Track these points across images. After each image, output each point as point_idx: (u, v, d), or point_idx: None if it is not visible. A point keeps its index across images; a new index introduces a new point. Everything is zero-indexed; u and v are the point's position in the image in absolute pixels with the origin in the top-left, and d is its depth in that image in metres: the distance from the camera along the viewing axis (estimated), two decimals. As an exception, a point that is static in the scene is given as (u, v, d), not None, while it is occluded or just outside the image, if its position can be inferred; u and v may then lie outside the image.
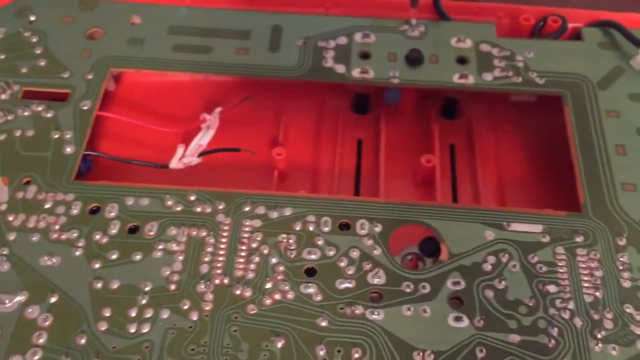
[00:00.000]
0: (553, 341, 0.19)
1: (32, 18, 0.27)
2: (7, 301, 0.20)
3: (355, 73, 0.25)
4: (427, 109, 0.28)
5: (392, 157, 0.26)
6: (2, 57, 0.26)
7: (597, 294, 0.20)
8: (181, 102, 0.28)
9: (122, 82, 0.28)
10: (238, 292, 0.20)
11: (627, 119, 0.24)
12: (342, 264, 0.21)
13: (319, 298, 0.20)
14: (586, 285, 0.20)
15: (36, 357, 0.19)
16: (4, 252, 0.21)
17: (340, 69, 0.26)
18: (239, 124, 0.27)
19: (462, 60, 0.26)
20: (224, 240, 0.21)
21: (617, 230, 0.21)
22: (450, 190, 0.26)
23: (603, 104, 0.25)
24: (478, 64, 0.26)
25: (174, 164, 0.24)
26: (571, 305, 0.20)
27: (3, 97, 0.25)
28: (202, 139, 0.24)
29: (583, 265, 0.21)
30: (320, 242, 0.21)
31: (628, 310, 0.20)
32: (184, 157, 0.24)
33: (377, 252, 0.21)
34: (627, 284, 0.20)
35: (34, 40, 0.26)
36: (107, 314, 0.20)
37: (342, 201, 0.22)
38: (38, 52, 0.26)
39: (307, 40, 0.26)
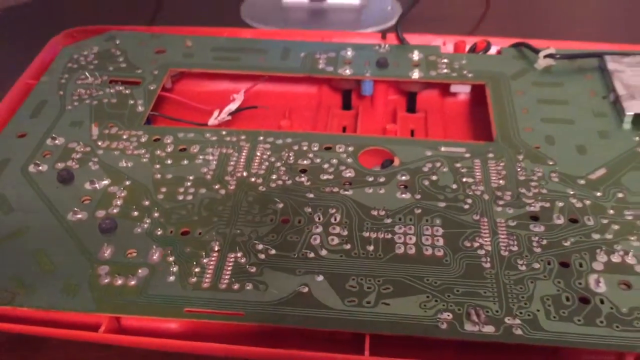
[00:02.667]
0: (467, 206, 0.28)
1: (118, 42, 0.39)
2: (96, 184, 0.29)
3: (340, 71, 0.36)
4: (394, 105, 0.38)
5: (368, 135, 0.36)
6: (96, 62, 0.37)
7: (501, 182, 0.29)
8: (216, 104, 0.38)
9: (175, 88, 0.39)
10: (252, 179, 0.29)
11: (530, 95, 0.34)
12: (325, 166, 0.30)
13: (308, 183, 0.29)
14: (493, 178, 0.29)
15: (115, 211, 0.28)
16: (95, 160, 0.31)
17: (329, 69, 0.37)
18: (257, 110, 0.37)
19: (415, 65, 0.37)
20: (244, 154, 0.31)
21: (517, 150, 0.31)
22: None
23: (514, 87, 0.35)
24: (427, 66, 0.37)
25: (211, 121, 0.34)
26: (482, 187, 0.29)
27: (96, 82, 0.36)
28: (231, 106, 0.35)
29: (492, 168, 0.30)
30: (310, 155, 0.31)
31: (522, 190, 0.29)
32: (218, 117, 0.34)
33: (350, 160, 0.30)
34: (522, 178, 0.29)
35: (118, 54, 0.38)
36: (164, 190, 0.29)
37: (327, 135, 0.32)
38: (120, 60, 0.37)
39: (307, 54, 0.38)
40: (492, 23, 0.50)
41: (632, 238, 0.26)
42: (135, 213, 0.28)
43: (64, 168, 0.30)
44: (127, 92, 0.35)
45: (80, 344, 0.26)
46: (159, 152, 0.31)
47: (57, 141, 0.32)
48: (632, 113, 0.32)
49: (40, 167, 0.30)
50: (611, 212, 0.27)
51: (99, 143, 0.32)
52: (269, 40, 0.39)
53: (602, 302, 0.24)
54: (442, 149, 0.31)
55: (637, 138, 0.31)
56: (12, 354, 0.26)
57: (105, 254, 0.26)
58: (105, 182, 0.29)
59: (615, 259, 0.25)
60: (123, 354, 0.26)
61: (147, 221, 0.27)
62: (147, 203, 0.28)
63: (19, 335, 0.26)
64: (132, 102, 0.34)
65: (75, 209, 0.28)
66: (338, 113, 0.38)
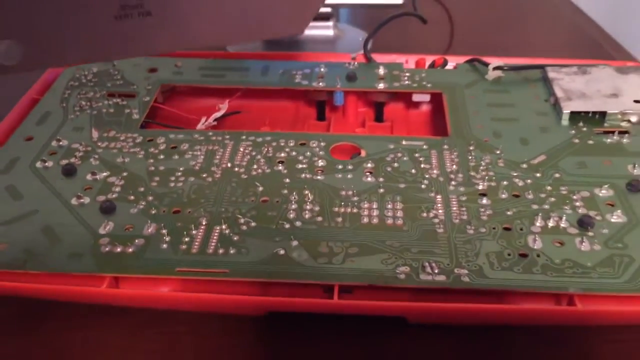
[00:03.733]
0: (424, 185, 0.32)
1: (114, 63, 0.43)
2: (97, 175, 0.33)
3: (314, 84, 0.41)
4: (363, 116, 0.43)
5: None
6: (95, 79, 0.42)
7: (454, 167, 0.33)
8: (203, 115, 0.43)
9: (166, 104, 0.43)
10: (236, 169, 0.33)
11: (481, 100, 0.39)
12: (300, 158, 0.34)
13: (285, 171, 0.33)
14: (447, 164, 0.33)
15: (113, 195, 0.32)
16: (95, 156, 0.34)
17: (305, 82, 0.41)
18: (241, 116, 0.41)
19: (380, 78, 0.41)
20: (228, 150, 0.35)
21: (468, 142, 0.35)
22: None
23: (467, 93, 0.39)
24: (391, 79, 0.41)
25: (199, 126, 0.38)
26: (437, 171, 0.33)
27: (95, 95, 0.40)
28: (217, 114, 0.39)
29: (447, 157, 0.34)
30: (287, 150, 0.35)
31: (471, 173, 0.33)
32: (205, 122, 0.38)
33: (322, 153, 0.34)
34: (472, 163, 0.33)
35: (115, 73, 0.42)
36: (157, 179, 0.33)
37: (302, 133, 0.36)
38: (117, 77, 0.42)
39: (285, 70, 0.42)
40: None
41: (566, 207, 0.30)
42: (132, 197, 0.31)
43: (68, 163, 0.34)
44: (123, 103, 0.39)
45: (82, 313, 0.29)
46: (152, 149, 0.35)
47: (61, 143, 0.35)
48: (569, 111, 0.36)
49: (47, 164, 0.34)
50: (549, 188, 0.32)
51: (99, 144, 0.35)
52: (250, 60, 0.44)
53: (538, 256, 0.28)
54: (404, 142, 0.35)
55: (572, 131, 0.36)
56: (20, 322, 0.29)
57: (106, 229, 0.29)
58: (105, 173, 0.33)
59: (551, 223, 0.29)
60: (121, 320, 0.29)
61: (143, 203, 0.31)
62: (142, 189, 0.32)
63: (27, 303, 0.29)
64: (127, 111, 0.38)
65: (79, 194, 0.31)
66: (313, 123, 0.43)
